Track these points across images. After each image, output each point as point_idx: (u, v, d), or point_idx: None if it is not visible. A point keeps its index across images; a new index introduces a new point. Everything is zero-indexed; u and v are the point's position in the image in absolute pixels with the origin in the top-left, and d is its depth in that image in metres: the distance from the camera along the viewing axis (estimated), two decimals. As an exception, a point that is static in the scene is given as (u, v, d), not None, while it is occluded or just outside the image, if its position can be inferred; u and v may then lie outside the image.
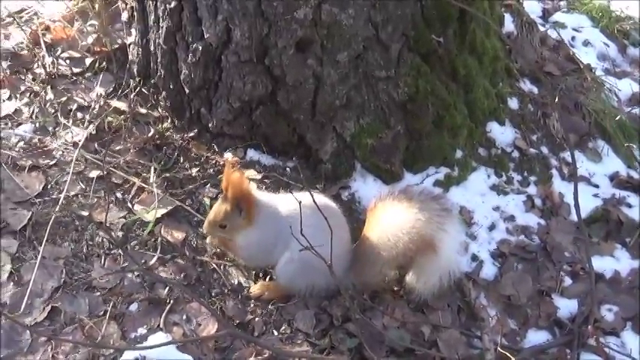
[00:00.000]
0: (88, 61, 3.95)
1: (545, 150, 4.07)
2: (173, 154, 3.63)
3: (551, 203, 3.87)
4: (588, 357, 3.27)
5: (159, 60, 3.72)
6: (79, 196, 3.37)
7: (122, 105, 3.75)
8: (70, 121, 3.67)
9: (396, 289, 3.35)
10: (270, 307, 3.18)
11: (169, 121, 3.77)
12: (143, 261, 3.21)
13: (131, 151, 3.59)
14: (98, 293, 3.09)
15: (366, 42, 3.46)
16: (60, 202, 3.28)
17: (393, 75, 3.57)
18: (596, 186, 4.05)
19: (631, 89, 4.69)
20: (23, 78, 3.85)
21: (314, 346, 3.08)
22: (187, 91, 3.65)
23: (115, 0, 4.12)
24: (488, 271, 3.55)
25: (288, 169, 3.65)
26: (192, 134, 3.71)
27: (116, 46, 4.00)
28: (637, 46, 5.13)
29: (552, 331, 3.41)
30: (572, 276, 3.61)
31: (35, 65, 3.91)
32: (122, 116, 3.69)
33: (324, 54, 3.43)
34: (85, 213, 3.29)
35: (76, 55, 3.98)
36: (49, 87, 3.80)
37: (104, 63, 3.94)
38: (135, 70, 3.90)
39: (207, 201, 3.44)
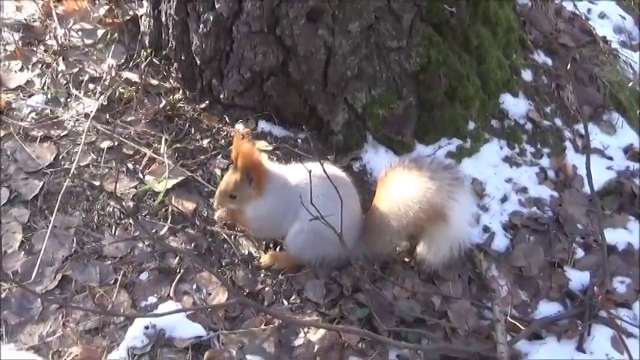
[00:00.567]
0: (100, 32, 3.95)
1: (558, 122, 4.04)
2: (184, 125, 3.62)
3: (564, 175, 3.85)
4: (600, 328, 3.26)
5: (170, 31, 3.72)
6: (90, 166, 3.39)
7: (134, 76, 3.74)
8: (82, 92, 3.67)
9: (406, 260, 3.35)
10: (280, 277, 3.19)
11: (181, 92, 3.76)
12: (154, 230, 3.22)
13: (142, 122, 3.59)
14: (109, 262, 3.11)
15: (378, 12, 3.43)
16: (71, 172, 3.30)
17: (405, 45, 3.54)
18: (610, 158, 4.02)
19: (647, 62, 4.65)
20: (35, 49, 3.85)
21: (324, 315, 3.08)
22: (199, 62, 3.65)
23: (127, -29, 4.12)
24: (500, 242, 3.54)
25: (299, 140, 3.64)
26: (203, 105, 3.70)
27: (128, 17, 4.00)
28: (654, 18, 5.08)
29: (564, 303, 3.39)
30: (584, 248, 3.59)
31: (47, 37, 3.91)
32: (133, 87, 3.69)
33: (335, 24, 3.41)
34: (96, 183, 3.30)
35: (88, 26, 3.98)
36: (60, 58, 3.80)
37: (116, 34, 3.93)
38: (146, 41, 3.89)
39: (217, 172, 3.45)
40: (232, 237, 3.29)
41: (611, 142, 4.09)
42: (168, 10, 3.68)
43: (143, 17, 3.92)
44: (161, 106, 3.65)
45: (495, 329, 3.09)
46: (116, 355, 2.84)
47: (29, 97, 3.62)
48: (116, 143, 3.45)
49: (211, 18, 3.49)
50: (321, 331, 3.01)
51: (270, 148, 3.57)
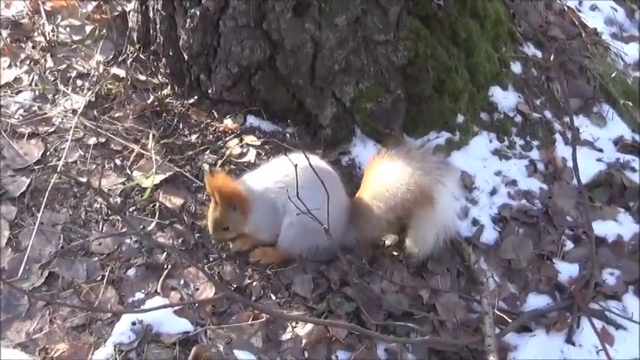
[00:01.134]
0: (88, 28, 3.93)
1: (548, 114, 4.04)
2: (173, 120, 3.62)
3: (554, 168, 3.84)
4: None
5: (158, 26, 3.71)
6: (78, 162, 3.38)
7: (121, 72, 3.73)
8: (70, 88, 3.66)
9: (395, 253, 3.34)
10: (268, 271, 3.18)
11: (169, 87, 3.76)
12: (141, 226, 3.21)
13: (130, 117, 3.58)
14: (96, 258, 3.10)
15: (365, 5, 3.43)
16: (58, 169, 3.29)
17: (392, 39, 3.54)
18: (600, 150, 4.01)
19: (638, 54, 4.64)
20: (23, 46, 3.84)
21: (311, 310, 3.08)
22: (186, 57, 3.64)
23: (115, -33, 4.11)
24: (489, 235, 3.53)
25: (288, 134, 3.64)
26: (192, 101, 3.69)
27: (116, 13, 3.98)
28: (645, 10, 5.07)
29: (553, 295, 3.39)
30: (574, 240, 3.59)
31: (35, 33, 3.90)
32: (121, 83, 3.68)
33: (322, 18, 3.40)
34: (83, 179, 3.29)
35: (76, 22, 3.96)
36: (48, 55, 3.79)
37: (104, 30, 3.92)
38: (135, 37, 3.88)
39: (206, 167, 3.43)
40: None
41: (602, 134, 4.08)
42: (155, 6, 3.68)
43: (131, 13, 3.90)
44: (149, 101, 3.64)
45: (484, 322, 3.08)
46: (103, 351, 2.83)
47: (17, 93, 3.61)
48: (103, 139, 3.44)
49: (198, 13, 3.48)
50: (309, 326, 3.01)
51: (258, 142, 3.56)
